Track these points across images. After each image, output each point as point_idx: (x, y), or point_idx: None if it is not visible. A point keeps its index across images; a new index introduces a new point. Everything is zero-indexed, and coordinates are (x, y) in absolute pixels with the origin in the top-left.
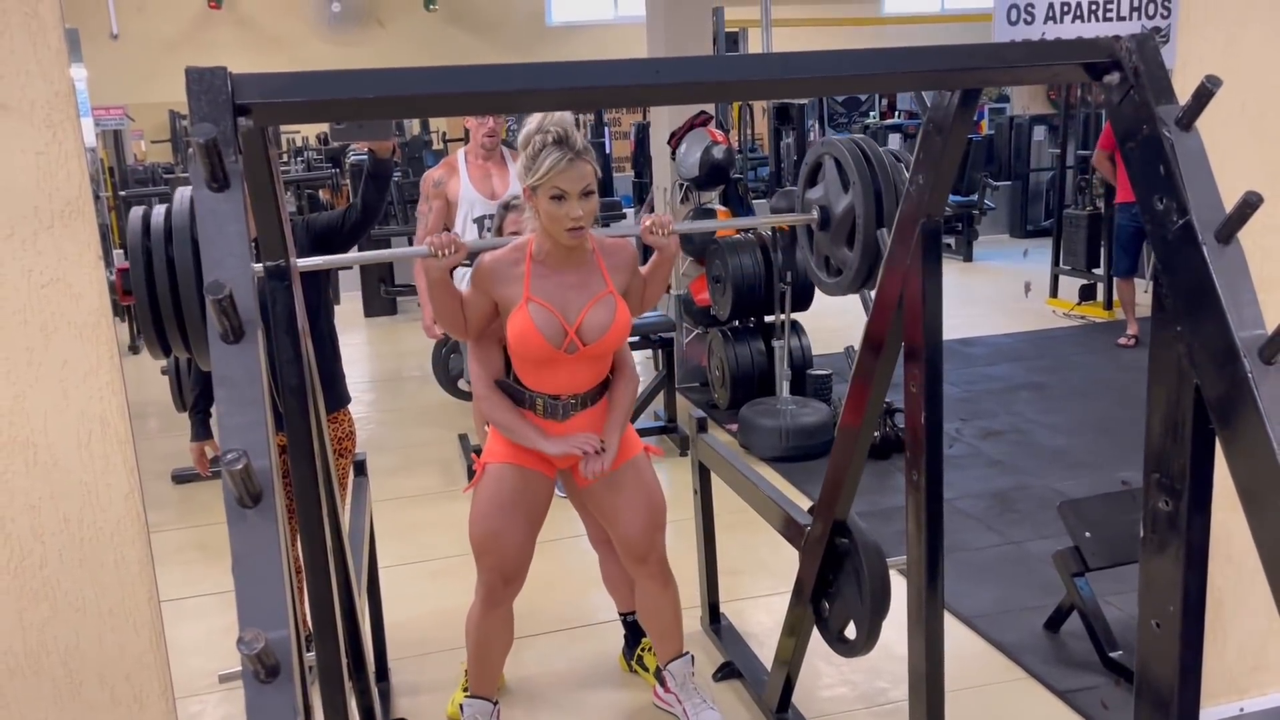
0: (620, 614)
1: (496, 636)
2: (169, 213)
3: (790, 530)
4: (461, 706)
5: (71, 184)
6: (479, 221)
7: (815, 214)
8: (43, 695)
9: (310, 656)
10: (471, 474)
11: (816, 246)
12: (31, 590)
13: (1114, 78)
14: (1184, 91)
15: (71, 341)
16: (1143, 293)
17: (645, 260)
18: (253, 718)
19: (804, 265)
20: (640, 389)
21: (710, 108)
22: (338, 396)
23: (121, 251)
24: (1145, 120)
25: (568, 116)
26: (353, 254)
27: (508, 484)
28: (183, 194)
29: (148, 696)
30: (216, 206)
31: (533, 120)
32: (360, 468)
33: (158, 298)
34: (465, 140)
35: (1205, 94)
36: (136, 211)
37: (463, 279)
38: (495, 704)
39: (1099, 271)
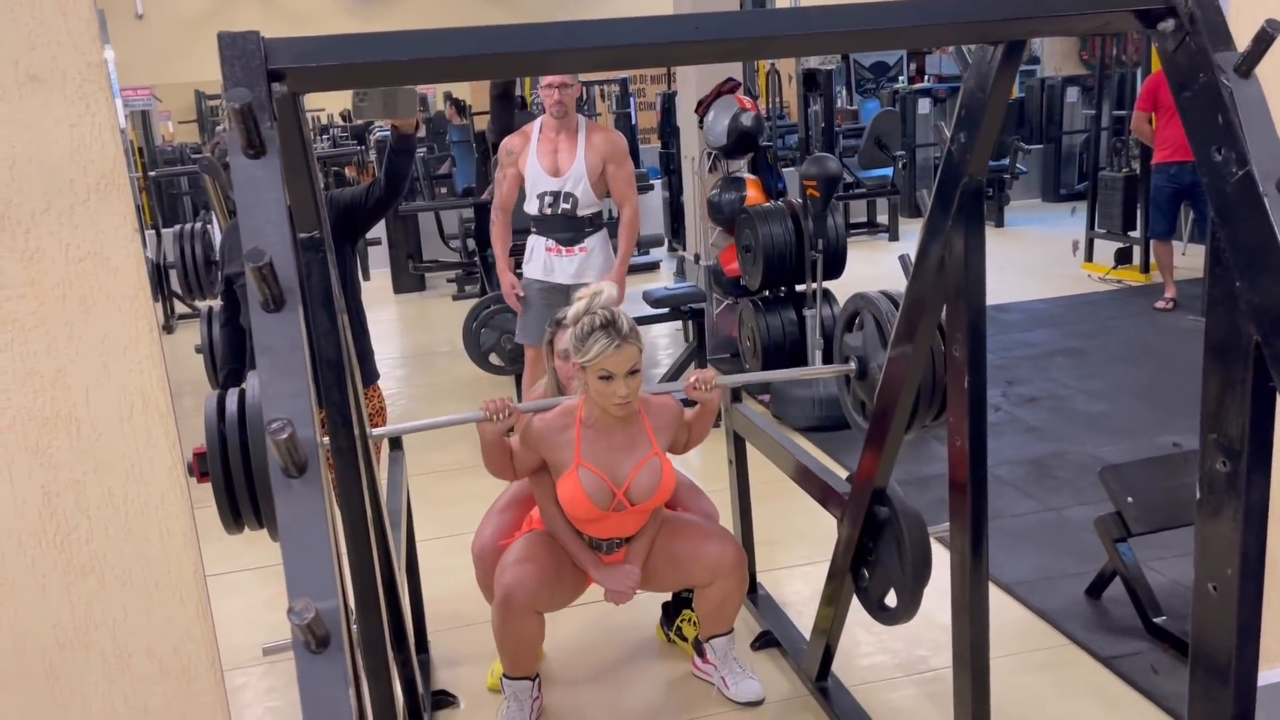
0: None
1: (524, 636)
2: (243, 395)
3: (828, 499)
4: (502, 682)
5: (106, 156)
6: (541, 197)
7: (853, 365)
8: (92, 668)
9: (353, 629)
10: None
11: (854, 392)
12: (79, 564)
13: (1169, 24)
14: (1240, 38)
15: (111, 315)
16: (1180, 255)
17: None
18: (305, 687)
19: (834, 231)
20: (671, 360)
21: (738, 74)
22: (367, 373)
23: (154, 231)
24: (1202, 68)
25: (614, 295)
26: (412, 423)
27: (551, 549)
28: (253, 381)
29: (196, 669)
30: (254, 174)
31: (582, 299)
32: (396, 442)
33: (233, 480)
34: (495, 112)
35: (1266, 39)
36: (212, 398)
37: (534, 249)
38: (535, 679)
39: (1135, 234)
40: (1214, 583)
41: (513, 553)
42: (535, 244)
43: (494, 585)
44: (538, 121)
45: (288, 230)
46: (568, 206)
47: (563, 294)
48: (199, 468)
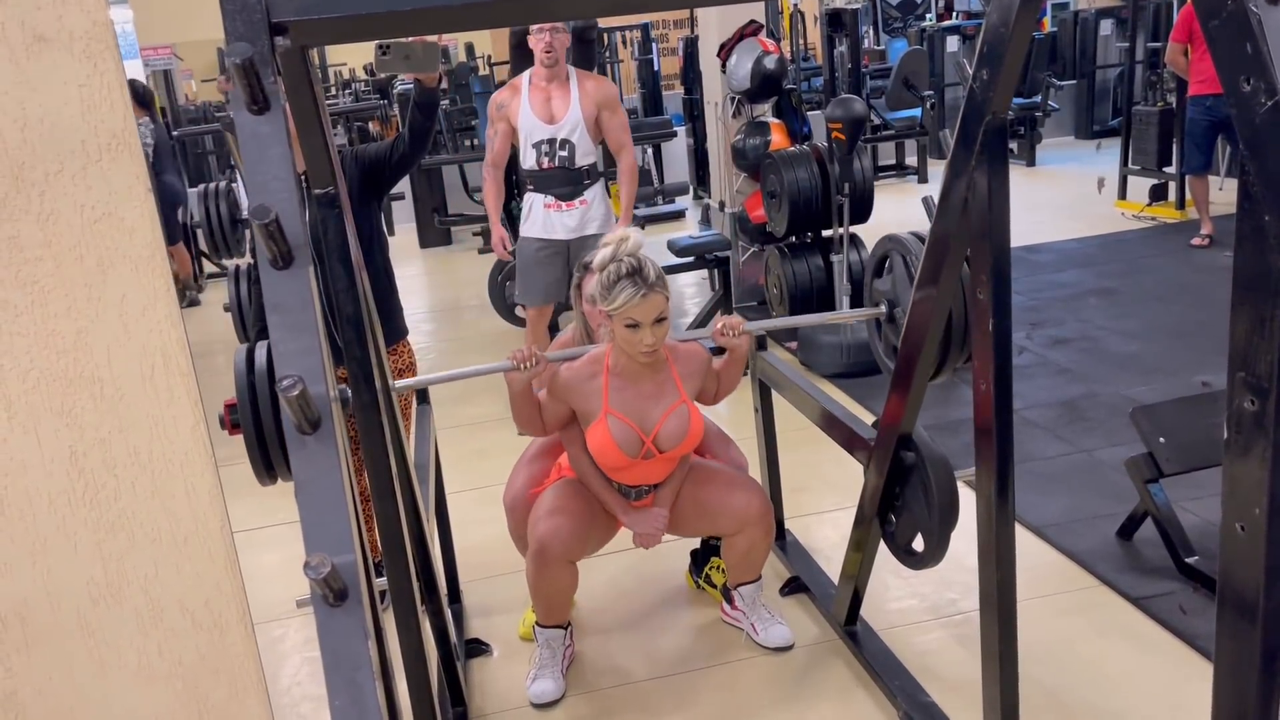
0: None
1: (558, 585)
2: (270, 349)
3: (854, 445)
4: (535, 631)
5: (115, 116)
6: (537, 147)
7: (883, 308)
8: (126, 622)
9: (383, 581)
10: None
11: (884, 337)
12: (108, 522)
13: None
14: None
15: (128, 276)
16: (1217, 190)
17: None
18: (325, 640)
19: (861, 174)
20: (697, 309)
21: (760, 15)
22: (396, 329)
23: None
24: None
25: (641, 241)
26: (440, 374)
27: (582, 497)
28: None
29: (227, 622)
30: (258, 129)
31: (607, 246)
32: (423, 396)
33: (264, 431)
34: (515, 62)
35: None
36: (241, 350)
37: (532, 206)
38: (567, 627)
39: (1170, 170)
40: (1242, 523)
41: (544, 503)
42: (533, 201)
43: (528, 536)
44: (526, 73)
45: (294, 186)
46: (565, 155)
47: (564, 249)
48: (230, 419)
